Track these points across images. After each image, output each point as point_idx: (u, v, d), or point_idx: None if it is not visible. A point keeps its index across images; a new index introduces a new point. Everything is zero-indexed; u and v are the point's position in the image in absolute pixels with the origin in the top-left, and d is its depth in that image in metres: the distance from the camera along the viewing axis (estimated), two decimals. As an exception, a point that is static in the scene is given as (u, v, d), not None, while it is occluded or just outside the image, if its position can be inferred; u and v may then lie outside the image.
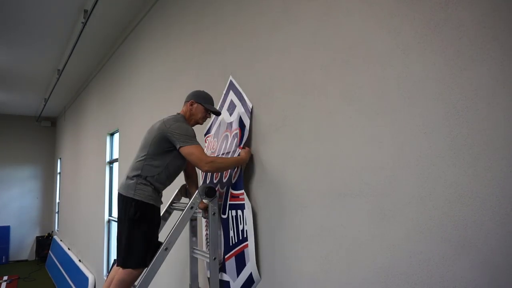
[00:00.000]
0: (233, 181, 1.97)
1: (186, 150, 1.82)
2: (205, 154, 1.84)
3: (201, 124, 2.10)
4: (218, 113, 2.08)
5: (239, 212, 1.90)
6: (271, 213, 1.79)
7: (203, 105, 2.02)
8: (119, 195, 1.93)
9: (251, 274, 1.82)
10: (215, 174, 2.19)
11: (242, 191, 1.88)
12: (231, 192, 1.97)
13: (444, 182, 1.08)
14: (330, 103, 1.49)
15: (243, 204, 1.86)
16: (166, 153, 1.90)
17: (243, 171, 1.94)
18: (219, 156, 2.16)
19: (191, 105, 2.02)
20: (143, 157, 1.91)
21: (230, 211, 1.97)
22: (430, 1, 1.15)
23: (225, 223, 2.01)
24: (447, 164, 1.08)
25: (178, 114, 2.04)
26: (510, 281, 0.94)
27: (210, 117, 2.13)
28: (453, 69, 1.08)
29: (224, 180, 2.06)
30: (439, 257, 1.09)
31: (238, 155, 1.93)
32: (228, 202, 1.99)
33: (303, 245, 1.59)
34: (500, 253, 0.96)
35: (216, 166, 1.84)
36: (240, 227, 1.89)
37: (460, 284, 1.03)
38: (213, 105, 2.08)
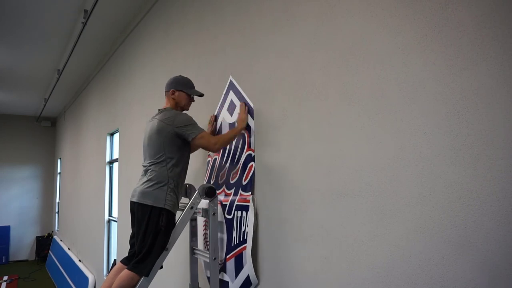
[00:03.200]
0: (244, 183, 1.97)
1: (197, 138, 1.88)
2: (211, 136, 1.95)
3: (187, 110, 2.11)
4: (201, 95, 2.10)
5: (244, 213, 1.90)
6: (271, 213, 1.79)
7: (184, 92, 2.03)
8: (140, 205, 1.87)
9: (248, 276, 1.83)
10: (220, 174, 2.18)
11: (250, 193, 1.89)
12: (240, 193, 1.97)
13: (444, 182, 1.08)
14: (330, 103, 1.49)
15: (248, 206, 1.87)
16: (180, 149, 1.92)
17: (255, 174, 1.92)
18: (222, 156, 2.17)
19: (172, 94, 2.02)
20: (162, 161, 1.88)
21: (236, 212, 1.97)
22: (430, 1, 1.15)
23: (229, 224, 2.01)
24: (447, 164, 1.08)
25: (165, 109, 2.01)
26: (510, 281, 0.94)
27: (194, 101, 2.13)
28: (453, 69, 1.08)
29: (232, 182, 2.05)
30: (439, 257, 1.09)
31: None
32: (236, 203, 1.99)
33: (303, 245, 1.59)
34: (500, 253, 0.96)
35: (221, 143, 1.93)
36: (243, 229, 1.90)
37: (460, 284, 1.03)
38: (194, 87, 2.09)
